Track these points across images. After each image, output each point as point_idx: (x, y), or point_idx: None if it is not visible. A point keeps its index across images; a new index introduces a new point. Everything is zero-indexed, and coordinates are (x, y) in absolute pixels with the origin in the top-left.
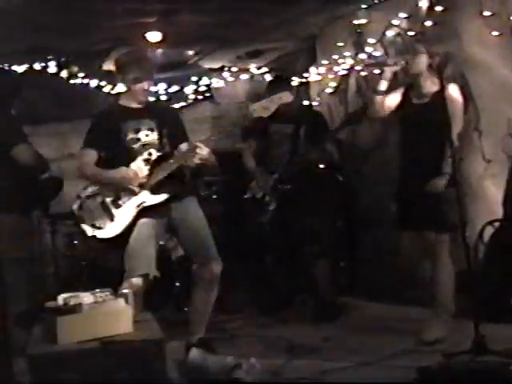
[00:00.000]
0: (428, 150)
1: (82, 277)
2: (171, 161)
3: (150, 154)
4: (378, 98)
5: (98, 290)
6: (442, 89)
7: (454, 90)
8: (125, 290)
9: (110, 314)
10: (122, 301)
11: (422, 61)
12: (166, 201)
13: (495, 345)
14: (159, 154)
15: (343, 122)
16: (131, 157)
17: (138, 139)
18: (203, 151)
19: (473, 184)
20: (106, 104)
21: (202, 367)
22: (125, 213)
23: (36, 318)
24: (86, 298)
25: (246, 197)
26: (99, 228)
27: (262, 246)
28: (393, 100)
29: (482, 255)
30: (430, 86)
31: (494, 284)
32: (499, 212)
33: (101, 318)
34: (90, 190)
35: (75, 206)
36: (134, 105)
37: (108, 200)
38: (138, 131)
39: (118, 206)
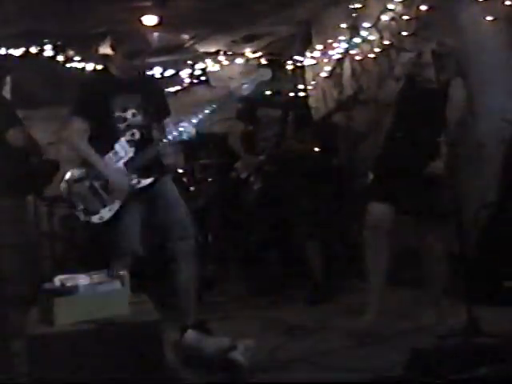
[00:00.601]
0: (425, 137)
1: (79, 259)
2: (155, 144)
3: (132, 135)
4: (392, 82)
5: (94, 272)
6: (446, 80)
7: (458, 83)
8: (121, 272)
9: (106, 296)
10: (118, 282)
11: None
12: (150, 183)
13: (488, 326)
14: (141, 135)
15: (335, 107)
16: (115, 135)
17: (125, 119)
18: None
19: (466, 168)
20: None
21: (197, 348)
22: (115, 196)
23: (33, 299)
24: (83, 279)
25: (230, 177)
26: (92, 213)
27: (250, 226)
28: (399, 86)
29: (475, 238)
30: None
31: (487, 266)
32: (491, 195)
33: (97, 300)
34: (77, 173)
35: (64, 191)
36: (123, 75)
37: (97, 184)
38: (125, 110)
39: (107, 191)
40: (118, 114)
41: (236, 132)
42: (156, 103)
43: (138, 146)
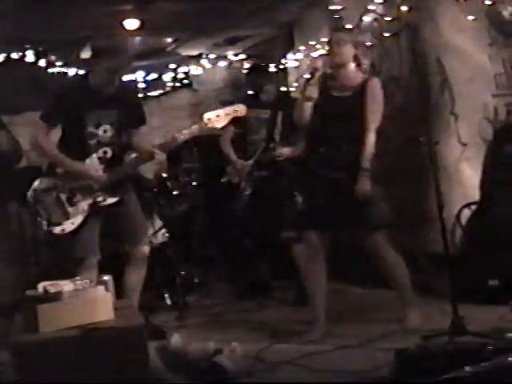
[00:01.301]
0: (346, 144)
1: (62, 265)
2: (124, 166)
3: (105, 153)
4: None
5: (77, 278)
6: (364, 81)
7: (375, 84)
8: (105, 277)
9: (90, 302)
10: (102, 288)
11: (347, 51)
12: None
13: (473, 326)
14: (112, 153)
15: None
16: (85, 150)
17: (96, 135)
18: (161, 157)
19: (448, 167)
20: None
21: (182, 352)
22: (78, 210)
23: (17, 306)
24: (66, 285)
25: (222, 181)
26: (55, 224)
27: (239, 231)
28: (312, 92)
29: (458, 238)
30: (353, 78)
31: (471, 266)
32: (475, 195)
33: (81, 306)
34: (45, 183)
35: (30, 199)
36: (103, 89)
37: (63, 196)
38: (98, 126)
39: (72, 204)
40: (90, 129)
41: (228, 135)
42: (132, 115)
43: (109, 164)
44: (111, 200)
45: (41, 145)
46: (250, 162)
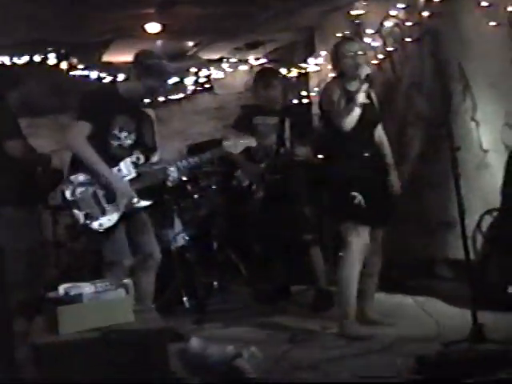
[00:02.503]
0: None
1: (83, 267)
2: (154, 166)
3: (138, 159)
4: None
5: (98, 280)
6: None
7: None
8: (125, 280)
9: (110, 304)
10: (122, 291)
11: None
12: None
13: (493, 333)
14: (143, 159)
15: None
16: (107, 152)
17: (119, 138)
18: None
19: (470, 173)
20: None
21: (202, 356)
22: (115, 209)
23: (37, 308)
24: (87, 288)
25: (232, 185)
26: (92, 218)
27: (255, 235)
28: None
29: (480, 244)
30: None
31: (492, 273)
32: (496, 201)
33: (101, 308)
34: (82, 177)
35: (68, 192)
36: (132, 98)
37: (100, 192)
38: (121, 130)
39: (109, 201)
40: (115, 132)
41: None
42: (147, 132)
43: (140, 169)
44: (145, 203)
45: (81, 146)
46: (262, 165)
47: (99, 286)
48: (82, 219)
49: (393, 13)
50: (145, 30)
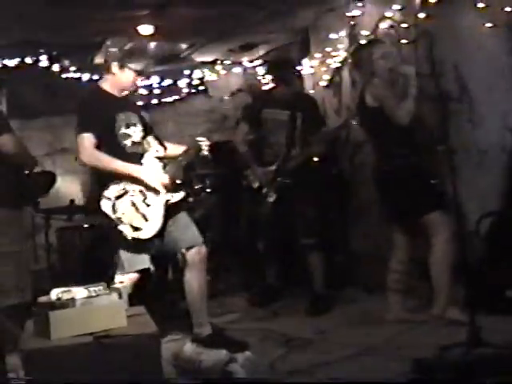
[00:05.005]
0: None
1: (76, 271)
2: (180, 158)
3: (157, 151)
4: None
5: (90, 285)
6: None
7: None
8: (118, 285)
9: (103, 309)
10: (115, 295)
11: None
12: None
13: (491, 337)
14: (161, 151)
15: (344, 122)
16: (120, 153)
17: (129, 135)
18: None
19: (467, 175)
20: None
21: (196, 361)
22: (155, 211)
23: (28, 312)
24: (79, 292)
25: (243, 185)
26: (138, 229)
27: (258, 237)
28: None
29: (477, 247)
30: None
31: (489, 276)
32: (493, 204)
33: (94, 313)
34: (115, 189)
35: (108, 209)
36: (117, 93)
37: (137, 200)
38: (128, 126)
39: (147, 205)
40: (122, 130)
41: (242, 136)
42: (145, 123)
43: (163, 162)
44: (178, 196)
45: (96, 158)
46: (273, 167)
47: (92, 290)
48: (130, 233)
49: (389, 14)
50: (138, 32)
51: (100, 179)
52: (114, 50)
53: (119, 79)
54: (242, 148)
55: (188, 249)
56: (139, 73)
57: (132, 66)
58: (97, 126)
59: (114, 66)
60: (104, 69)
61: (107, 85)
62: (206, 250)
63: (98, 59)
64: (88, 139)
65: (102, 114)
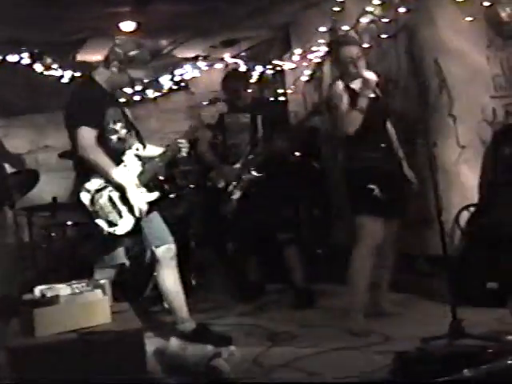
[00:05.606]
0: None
1: (59, 268)
2: (157, 159)
3: (137, 149)
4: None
5: (74, 282)
6: None
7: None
8: (102, 281)
9: (87, 305)
10: (99, 292)
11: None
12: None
13: (472, 329)
14: (141, 148)
15: (308, 112)
16: (109, 148)
17: (116, 130)
18: (187, 148)
19: (447, 169)
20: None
21: (180, 356)
22: (130, 209)
23: (14, 310)
24: (63, 289)
25: (207, 186)
26: (113, 224)
27: (231, 234)
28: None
29: (457, 240)
30: None
31: (470, 268)
32: (474, 197)
33: (78, 310)
34: (97, 183)
35: (87, 201)
36: (107, 87)
37: (114, 195)
38: (114, 122)
39: (124, 203)
40: (111, 126)
41: (204, 140)
42: (130, 123)
43: (142, 160)
44: (152, 196)
45: (91, 157)
46: (237, 165)
47: (76, 287)
48: (106, 227)
49: (369, 9)
50: (119, 29)
51: (82, 171)
52: (119, 51)
53: (114, 79)
54: (205, 152)
55: (157, 246)
56: (135, 80)
57: (131, 72)
58: (93, 118)
59: (114, 66)
60: (103, 61)
61: (100, 78)
62: (176, 248)
63: (81, 56)
64: (89, 132)
65: (96, 106)
